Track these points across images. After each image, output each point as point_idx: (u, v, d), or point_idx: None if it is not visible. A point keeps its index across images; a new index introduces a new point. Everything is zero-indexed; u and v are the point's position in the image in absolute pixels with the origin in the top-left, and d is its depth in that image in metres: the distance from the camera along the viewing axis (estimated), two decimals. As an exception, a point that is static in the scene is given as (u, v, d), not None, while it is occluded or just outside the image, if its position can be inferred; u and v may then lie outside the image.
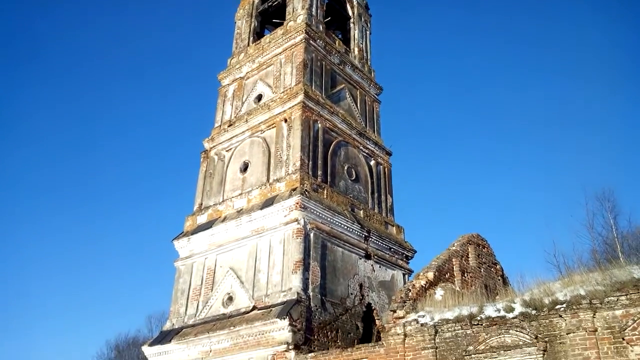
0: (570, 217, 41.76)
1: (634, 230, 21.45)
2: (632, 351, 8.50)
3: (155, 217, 74.44)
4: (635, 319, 8.61)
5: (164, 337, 18.37)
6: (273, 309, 16.15)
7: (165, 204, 75.66)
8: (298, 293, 16.13)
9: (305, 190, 17.90)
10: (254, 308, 16.90)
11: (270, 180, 19.38)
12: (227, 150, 21.91)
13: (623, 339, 8.62)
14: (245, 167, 20.77)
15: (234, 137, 21.77)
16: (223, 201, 20.49)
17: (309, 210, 17.72)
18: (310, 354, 14.71)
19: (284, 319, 15.27)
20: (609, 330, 8.87)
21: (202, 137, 22.95)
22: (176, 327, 18.60)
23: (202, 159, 22.56)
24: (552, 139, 56.90)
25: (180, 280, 19.77)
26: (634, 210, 43.11)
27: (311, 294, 16.57)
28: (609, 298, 9.03)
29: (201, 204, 21.35)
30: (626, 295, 8.91)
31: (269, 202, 18.43)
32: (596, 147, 51.53)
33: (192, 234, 20.22)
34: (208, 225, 19.97)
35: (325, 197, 18.79)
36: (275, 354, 15.15)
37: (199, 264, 19.61)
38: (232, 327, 16.44)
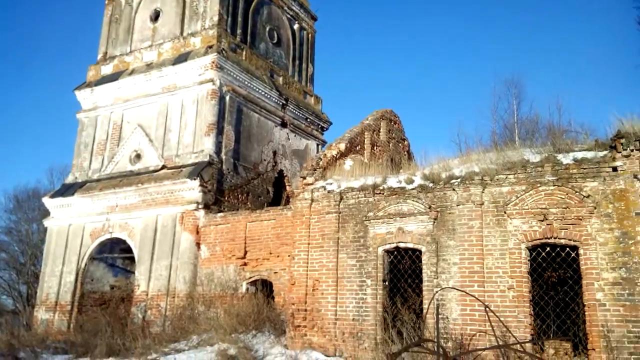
0: (477, 99, 43.91)
1: (533, 116, 23.04)
2: (510, 223, 9.52)
3: (59, 64, 67.92)
4: (518, 195, 9.52)
5: (67, 190, 17.83)
6: (184, 169, 16.01)
7: (71, 51, 68.81)
8: (210, 155, 15.99)
9: (223, 49, 16.90)
10: (164, 167, 16.65)
11: (185, 34, 17.98)
12: (136, -6, 19.73)
13: (505, 213, 9.58)
14: (156, 16, 18.96)
15: (143, -22, 19.51)
16: (131, 52, 18.91)
17: (225, 71, 16.91)
18: (219, 214, 15.07)
19: (195, 179, 15.25)
20: (494, 205, 9.78)
21: (107, -24, 20.34)
22: (79, 180, 18.03)
23: (107, 1, 20.21)
24: (467, 19, 56.88)
25: (84, 134, 18.75)
26: (536, 98, 46.04)
27: (224, 157, 16.51)
28: (499, 176, 9.82)
29: (106, 53, 19.62)
30: (514, 174, 9.73)
31: (182, 58, 17.30)
32: (512, 32, 52.57)
33: (95, 85, 18.83)
34: (114, 77, 18.59)
35: (243, 58, 17.93)
36: (184, 212, 15.34)
37: (104, 117, 18.57)
38: (140, 184, 16.22)
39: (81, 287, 16.76)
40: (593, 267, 8.56)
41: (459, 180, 10.18)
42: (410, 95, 54.15)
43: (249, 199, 17.13)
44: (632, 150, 8.69)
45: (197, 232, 14.97)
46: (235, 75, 17.23)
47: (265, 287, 13.38)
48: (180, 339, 12.15)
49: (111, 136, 18.21)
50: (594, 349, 8.27)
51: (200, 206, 15.20)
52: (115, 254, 17.45)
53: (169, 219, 15.61)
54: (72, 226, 17.35)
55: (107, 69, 19.09)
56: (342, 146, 13.40)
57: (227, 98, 16.93)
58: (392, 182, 11.15)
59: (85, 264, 16.93)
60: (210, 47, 16.79)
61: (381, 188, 11.14)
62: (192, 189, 15.35)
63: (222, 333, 11.28)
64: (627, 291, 8.22)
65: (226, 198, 16.15)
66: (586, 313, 8.50)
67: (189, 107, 16.93)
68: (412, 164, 14.58)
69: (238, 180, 16.86)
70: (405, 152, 16.87)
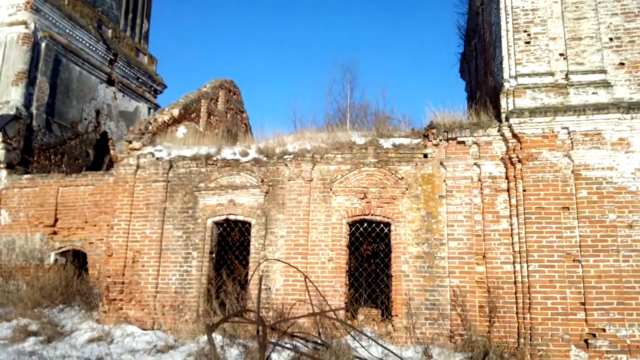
0: (314, 80, 45.33)
1: (363, 102, 24.74)
2: (335, 200, 10.12)
3: None
4: (344, 174, 10.14)
5: None
6: (-18, 121, 13.63)
7: None
8: (17, 108, 13.91)
9: (40, -13, 14.67)
10: (-46, 117, 13.97)
11: (-9, -37, 15.17)
12: None
13: (330, 190, 10.13)
14: None
15: None
16: None
17: (42, 14, 14.75)
18: (26, 176, 13.24)
19: (-5, 134, 13.12)
20: (321, 181, 10.27)
21: None
22: None
23: None
24: None
25: None
26: (368, 85, 49.11)
27: (35, 112, 14.49)
28: (328, 155, 10.33)
29: None
30: (342, 154, 10.32)
31: (-14, -9, 14.60)
32: (349, 15, 54.79)
33: None
34: None
35: (66, 3, 15.83)
36: (-21, 172, 13.12)
37: None
38: None
39: None
40: (401, 242, 9.54)
41: (291, 156, 10.44)
42: (251, 68, 53.68)
43: (64, 161, 15.35)
44: (440, 140, 9.83)
45: (-4, 196, 12.97)
46: (54, 21, 15.14)
47: (78, 259, 12.19)
48: (-33, 317, 10.46)
49: None
50: (397, 315, 9.26)
51: (2, 165, 13.19)
52: None
53: (-42, 179, 13.21)
54: None
55: None
56: (176, 112, 12.73)
57: (43, 45, 14.81)
58: (227, 153, 10.97)
59: None
60: (25, -17, 14.46)
61: (215, 159, 10.90)
62: (-9, 145, 13.19)
63: (22, 307, 10.02)
64: (427, 264, 9.35)
65: (36, 158, 14.25)
66: (393, 283, 9.45)
67: (-7, 49, 14.42)
68: (249, 137, 14.52)
69: (51, 140, 14.97)
70: (243, 125, 16.74)
